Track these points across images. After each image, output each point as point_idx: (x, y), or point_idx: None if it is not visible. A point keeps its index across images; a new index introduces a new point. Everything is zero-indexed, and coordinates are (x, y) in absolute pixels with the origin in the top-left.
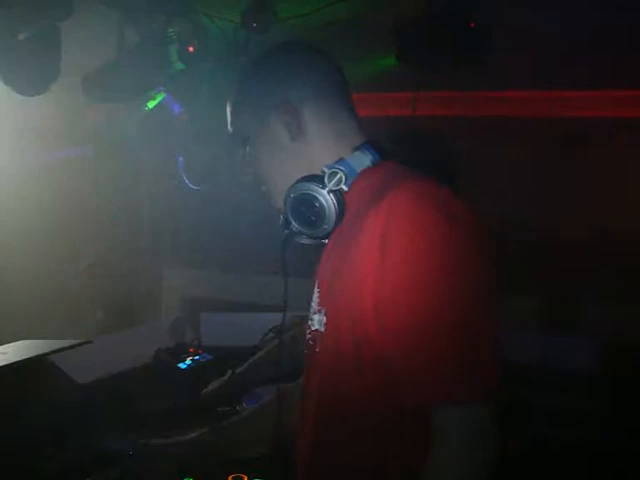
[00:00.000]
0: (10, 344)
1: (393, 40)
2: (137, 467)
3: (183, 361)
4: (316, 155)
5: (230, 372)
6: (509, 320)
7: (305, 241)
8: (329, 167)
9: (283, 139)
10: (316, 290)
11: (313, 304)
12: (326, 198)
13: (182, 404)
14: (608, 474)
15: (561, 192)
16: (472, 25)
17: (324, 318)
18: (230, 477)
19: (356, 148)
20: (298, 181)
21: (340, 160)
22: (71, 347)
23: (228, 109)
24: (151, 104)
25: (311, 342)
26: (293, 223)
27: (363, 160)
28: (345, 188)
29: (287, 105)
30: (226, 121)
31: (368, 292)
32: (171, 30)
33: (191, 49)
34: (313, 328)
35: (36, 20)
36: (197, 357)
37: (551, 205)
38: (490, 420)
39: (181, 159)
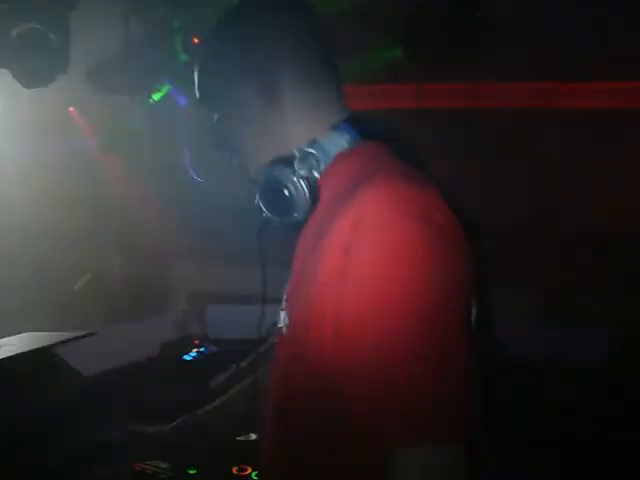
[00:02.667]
0: (15, 336)
1: (399, 32)
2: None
3: (188, 353)
4: (291, 128)
5: (235, 366)
6: (513, 313)
7: (279, 226)
8: (300, 150)
9: (256, 106)
10: (288, 281)
11: (283, 295)
12: (296, 185)
13: (187, 396)
14: (612, 468)
15: (568, 183)
16: (478, 17)
17: (287, 318)
18: (234, 468)
19: (333, 127)
20: (268, 164)
21: (313, 142)
22: (76, 339)
23: (195, 74)
24: (157, 96)
25: (276, 339)
26: (263, 209)
27: (339, 142)
28: (317, 175)
29: (260, 68)
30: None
31: (328, 311)
32: (176, 21)
33: (196, 40)
34: (279, 325)
35: (41, 11)
36: (202, 349)
37: (557, 196)
38: (457, 466)
39: (187, 151)
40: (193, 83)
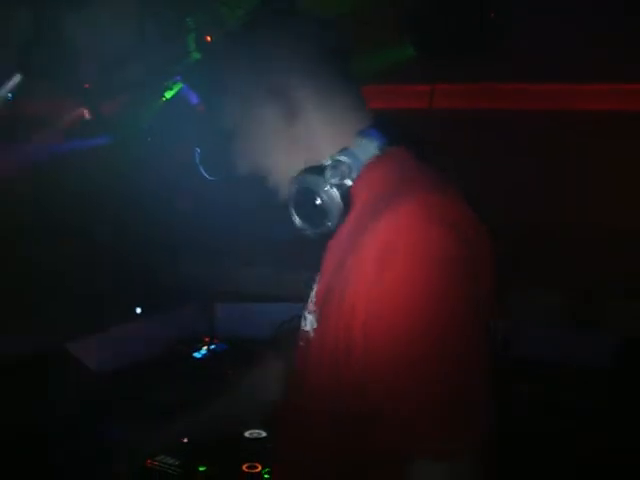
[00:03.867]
0: (25, 333)
1: (409, 30)
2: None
3: (198, 350)
4: (318, 140)
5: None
6: (530, 315)
7: (312, 236)
8: (332, 158)
9: (278, 122)
10: (316, 285)
11: (311, 298)
12: (329, 194)
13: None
14: (626, 472)
15: (586, 186)
16: (492, 15)
17: (316, 322)
18: (245, 465)
19: (362, 133)
20: (299, 174)
21: (344, 150)
22: (87, 336)
23: (214, 95)
24: (169, 94)
25: (301, 343)
26: (295, 219)
27: (369, 148)
28: (349, 182)
29: (279, 86)
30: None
31: (359, 313)
32: (189, 19)
33: (209, 39)
34: (305, 328)
35: (53, 8)
36: (213, 346)
37: (572, 198)
38: (476, 474)
39: (198, 150)
40: (205, 82)
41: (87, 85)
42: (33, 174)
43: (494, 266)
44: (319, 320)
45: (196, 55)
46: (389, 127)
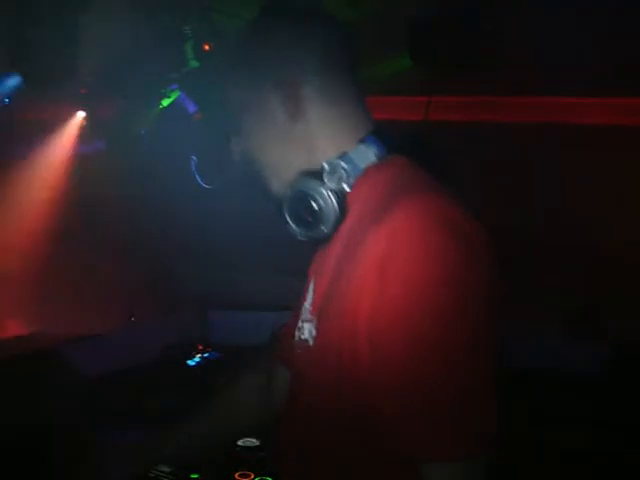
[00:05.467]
0: (19, 335)
1: (407, 42)
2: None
3: (192, 358)
4: (317, 142)
5: None
6: (528, 326)
7: (304, 240)
8: (330, 163)
9: (280, 119)
10: (311, 291)
11: (306, 306)
12: (325, 198)
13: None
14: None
15: (583, 198)
16: (488, 28)
17: (314, 330)
18: (237, 474)
19: (361, 140)
20: (296, 177)
21: (343, 155)
22: (79, 340)
23: (212, 100)
24: (166, 102)
25: (299, 351)
26: (289, 223)
27: (368, 155)
28: (347, 188)
29: (285, 79)
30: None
31: (362, 323)
32: (187, 28)
33: (207, 47)
34: (302, 337)
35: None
36: (206, 354)
37: (572, 212)
38: (483, 477)
39: (194, 158)
40: (202, 90)
41: (83, 91)
42: None
43: (496, 270)
44: (318, 329)
45: (194, 63)
46: (389, 135)
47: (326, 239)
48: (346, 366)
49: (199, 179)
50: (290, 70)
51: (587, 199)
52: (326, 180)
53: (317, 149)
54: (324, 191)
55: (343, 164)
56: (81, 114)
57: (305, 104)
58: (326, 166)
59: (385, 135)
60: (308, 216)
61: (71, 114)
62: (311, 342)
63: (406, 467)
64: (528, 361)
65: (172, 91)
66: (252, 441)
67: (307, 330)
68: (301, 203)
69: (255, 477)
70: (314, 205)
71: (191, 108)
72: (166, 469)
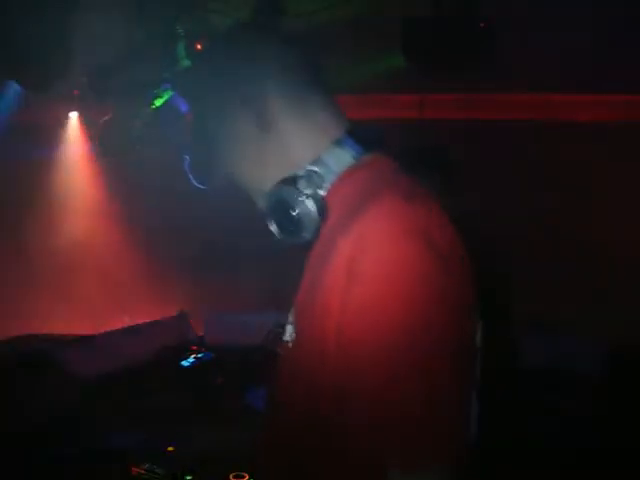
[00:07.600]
0: (14, 337)
1: (401, 40)
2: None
3: (186, 359)
4: (291, 150)
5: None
6: (516, 323)
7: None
8: (304, 169)
9: (252, 133)
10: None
11: (292, 310)
12: (303, 205)
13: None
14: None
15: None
16: (483, 26)
17: (294, 333)
18: (231, 475)
19: (336, 142)
20: (275, 185)
21: (317, 160)
22: (73, 342)
23: (188, 106)
24: (158, 102)
25: (282, 352)
26: (274, 229)
27: (343, 157)
28: (322, 193)
29: (250, 96)
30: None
31: (330, 327)
32: (179, 27)
33: (199, 46)
34: (284, 339)
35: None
36: (200, 355)
37: (565, 209)
38: None
39: (187, 158)
40: (193, 92)
41: (76, 92)
42: None
43: (468, 273)
44: (296, 331)
45: (186, 62)
46: (365, 135)
47: (309, 244)
48: (316, 368)
49: (192, 179)
50: (254, 87)
51: (587, 199)
52: (301, 186)
53: (292, 157)
54: (302, 197)
55: (317, 169)
56: (74, 115)
57: (274, 117)
58: (300, 173)
59: (361, 135)
60: (289, 224)
61: (65, 115)
62: (290, 344)
63: (372, 472)
64: (528, 361)
65: (164, 91)
66: (245, 442)
67: (289, 332)
68: (280, 212)
69: (249, 478)
70: (292, 213)
71: (183, 108)
72: (160, 470)
